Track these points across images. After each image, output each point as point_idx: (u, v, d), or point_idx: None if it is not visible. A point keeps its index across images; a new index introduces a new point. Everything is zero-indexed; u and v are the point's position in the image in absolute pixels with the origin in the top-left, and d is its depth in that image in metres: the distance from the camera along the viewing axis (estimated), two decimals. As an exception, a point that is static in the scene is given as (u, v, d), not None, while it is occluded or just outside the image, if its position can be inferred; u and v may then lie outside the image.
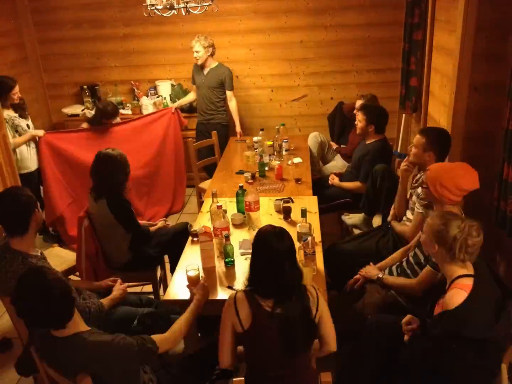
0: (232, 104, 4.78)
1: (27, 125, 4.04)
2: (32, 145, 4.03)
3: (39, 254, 2.32)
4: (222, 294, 2.32)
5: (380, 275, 2.52)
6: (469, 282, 1.88)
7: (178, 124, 4.75)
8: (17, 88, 3.92)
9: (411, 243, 2.64)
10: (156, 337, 1.92)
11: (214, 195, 2.89)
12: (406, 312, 2.26)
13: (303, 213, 2.63)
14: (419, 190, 2.71)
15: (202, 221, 2.96)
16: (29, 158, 3.99)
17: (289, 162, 3.92)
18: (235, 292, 1.93)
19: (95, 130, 4.25)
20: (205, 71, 4.69)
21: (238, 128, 4.87)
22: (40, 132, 4.00)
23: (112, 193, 2.85)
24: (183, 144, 4.76)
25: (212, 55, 4.61)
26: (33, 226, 2.26)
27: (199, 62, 4.61)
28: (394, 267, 2.63)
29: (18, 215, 2.20)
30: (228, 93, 4.74)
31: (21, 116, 4.00)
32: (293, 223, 2.87)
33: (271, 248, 1.83)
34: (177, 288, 2.38)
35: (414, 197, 2.81)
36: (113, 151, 2.90)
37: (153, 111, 4.84)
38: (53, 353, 1.78)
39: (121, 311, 2.45)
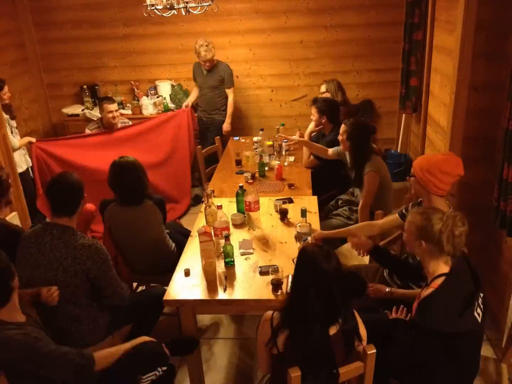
0: (229, 100, 4.80)
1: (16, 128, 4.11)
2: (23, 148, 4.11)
3: None
4: (222, 295, 2.31)
5: (388, 289, 2.44)
6: None
7: (191, 122, 4.79)
8: (6, 89, 3.95)
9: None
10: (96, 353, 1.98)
11: (209, 196, 2.89)
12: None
13: (303, 213, 2.63)
14: None
15: (202, 222, 2.96)
16: (20, 159, 4.03)
17: (285, 163, 3.92)
18: (271, 312, 1.84)
19: (96, 136, 4.27)
20: (205, 71, 4.70)
21: (225, 126, 4.82)
22: (33, 139, 4.09)
23: (149, 196, 2.88)
24: (194, 142, 4.83)
25: None
26: (81, 208, 2.38)
27: (208, 66, 4.63)
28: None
29: (70, 196, 2.33)
30: (227, 91, 4.78)
31: (11, 118, 4.04)
32: (289, 224, 2.88)
33: (319, 269, 1.73)
34: (178, 288, 2.38)
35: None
36: (128, 158, 2.83)
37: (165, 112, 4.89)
38: None
39: None
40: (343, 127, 3.27)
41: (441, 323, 1.86)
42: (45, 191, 2.39)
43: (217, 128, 4.83)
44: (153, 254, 2.88)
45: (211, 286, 2.35)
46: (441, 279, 1.90)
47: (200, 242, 2.44)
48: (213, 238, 2.55)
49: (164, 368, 2.13)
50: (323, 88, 4.35)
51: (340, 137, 3.31)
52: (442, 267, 1.94)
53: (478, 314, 1.91)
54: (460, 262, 1.98)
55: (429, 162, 2.35)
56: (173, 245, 2.99)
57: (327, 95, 4.26)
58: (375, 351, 1.74)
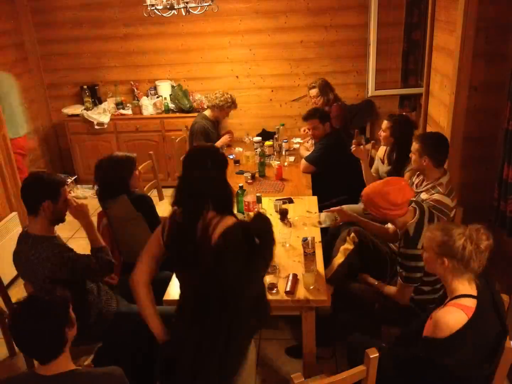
0: None
1: None
2: None
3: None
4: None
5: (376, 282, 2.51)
6: (470, 304, 1.74)
7: None
8: None
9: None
10: None
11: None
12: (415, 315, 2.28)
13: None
14: (422, 195, 2.68)
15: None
16: None
17: (285, 163, 3.92)
18: None
19: None
20: None
21: None
22: None
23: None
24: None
25: None
26: (43, 211, 2.24)
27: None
28: None
29: (32, 195, 2.25)
30: None
31: None
32: (290, 224, 2.87)
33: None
34: (178, 288, 2.37)
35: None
36: (110, 155, 2.87)
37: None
38: None
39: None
40: (386, 123, 3.17)
41: (464, 365, 1.70)
42: None
43: None
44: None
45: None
46: (469, 301, 1.75)
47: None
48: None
49: None
50: (313, 92, 4.17)
51: (382, 133, 3.20)
52: (466, 286, 1.79)
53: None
54: (484, 286, 1.82)
55: (375, 199, 2.24)
56: None
57: (320, 99, 4.13)
58: (377, 355, 1.67)
